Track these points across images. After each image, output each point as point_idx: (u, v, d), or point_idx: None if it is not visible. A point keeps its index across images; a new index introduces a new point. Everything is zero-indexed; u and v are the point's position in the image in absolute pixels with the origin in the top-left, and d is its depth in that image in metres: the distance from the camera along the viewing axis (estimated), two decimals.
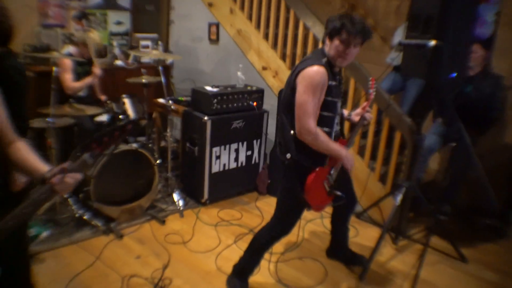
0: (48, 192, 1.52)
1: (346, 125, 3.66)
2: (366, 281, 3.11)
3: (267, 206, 4.17)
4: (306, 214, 3.91)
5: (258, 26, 4.71)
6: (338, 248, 3.29)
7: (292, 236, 3.53)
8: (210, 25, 5.14)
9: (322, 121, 2.49)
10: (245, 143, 4.22)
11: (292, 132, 2.52)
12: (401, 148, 3.91)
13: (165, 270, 3.06)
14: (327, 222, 3.81)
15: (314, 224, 3.90)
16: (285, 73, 4.42)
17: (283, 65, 4.48)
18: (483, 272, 3.35)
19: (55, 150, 3.55)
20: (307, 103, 2.39)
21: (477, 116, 3.94)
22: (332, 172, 2.67)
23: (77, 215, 3.59)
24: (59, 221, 3.54)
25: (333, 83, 2.49)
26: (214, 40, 5.15)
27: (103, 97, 4.40)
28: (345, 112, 2.92)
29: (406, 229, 3.83)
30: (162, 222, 3.72)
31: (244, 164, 4.28)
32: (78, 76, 4.12)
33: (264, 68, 4.64)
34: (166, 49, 5.89)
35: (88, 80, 4.12)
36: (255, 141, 4.29)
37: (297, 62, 3.96)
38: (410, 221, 3.94)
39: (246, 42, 4.78)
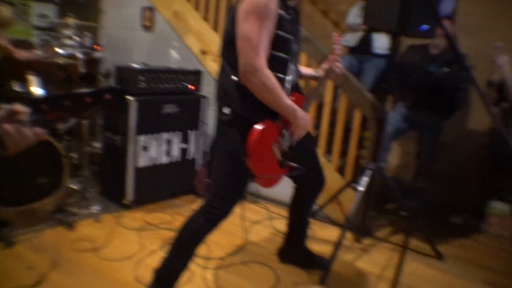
0: None
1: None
2: (330, 285, 2.46)
3: None
4: (251, 215, 3.27)
5: (196, 7, 4.13)
6: (293, 247, 2.62)
7: (234, 239, 2.90)
8: (143, 9, 4.50)
9: (274, 63, 1.89)
10: (179, 133, 3.51)
11: (234, 77, 1.89)
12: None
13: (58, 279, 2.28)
14: (278, 224, 3.21)
15: (261, 225, 3.23)
16: None
17: None
18: (465, 269, 2.80)
19: None
20: (252, 32, 1.79)
21: (442, 98, 3.51)
22: (285, 133, 2.04)
23: None
24: None
25: (286, 16, 1.91)
26: (149, 27, 4.50)
27: None
28: (308, 70, 2.36)
29: (370, 227, 3.24)
30: (70, 227, 2.92)
31: (178, 159, 3.56)
32: None
33: (204, 52, 4.02)
34: (95, 42, 5.17)
35: None
36: (191, 132, 3.60)
37: None
38: (372, 219, 3.36)
39: (184, 24, 4.16)
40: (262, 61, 1.81)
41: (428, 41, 3.59)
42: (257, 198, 3.69)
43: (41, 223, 2.93)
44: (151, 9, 4.45)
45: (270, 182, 2.11)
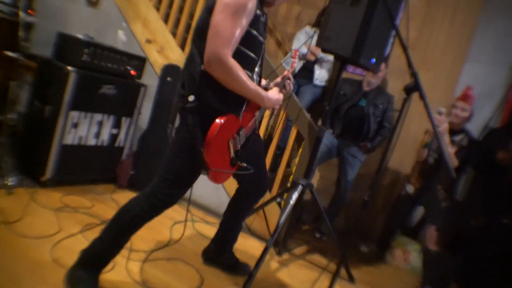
0: None
1: None
2: None
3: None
4: (174, 215, 3.20)
5: None
6: (221, 249, 2.61)
7: (157, 235, 2.83)
8: None
9: (241, 60, 1.89)
10: (112, 117, 3.34)
11: (202, 66, 1.87)
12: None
13: None
14: (199, 227, 3.19)
15: (183, 226, 3.16)
16: (173, 50, 3.76)
17: (173, 40, 3.81)
18: None
19: None
20: (224, 23, 1.78)
21: (367, 132, 3.79)
22: (241, 132, 2.06)
23: None
24: None
25: (262, 17, 1.95)
26: (93, 3, 4.26)
27: None
28: (262, 82, 2.40)
29: (289, 243, 3.34)
30: None
31: (106, 143, 3.37)
32: None
33: (148, 41, 3.90)
34: (29, 6, 4.74)
35: None
36: (124, 119, 3.46)
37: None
38: (291, 237, 3.47)
39: (133, 9, 4.01)
40: (228, 52, 1.80)
41: (361, 78, 3.87)
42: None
43: None
44: None
45: (220, 177, 2.10)
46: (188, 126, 1.94)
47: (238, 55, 1.87)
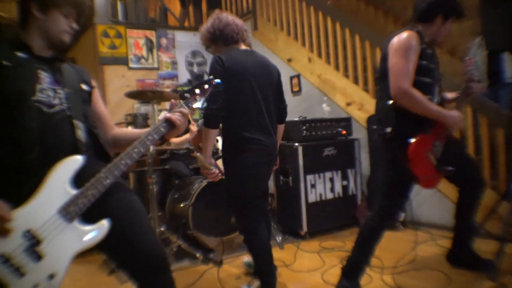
0: (165, 124, 1.68)
1: None
2: (500, 283, 2.67)
3: None
4: (415, 239, 3.58)
5: (337, 67, 4.83)
6: (460, 249, 2.89)
7: (402, 255, 3.24)
8: (291, 78, 5.34)
9: (421, 88, 2.39)
10: (339, 172, 4.08)
11: (389, 102, 2.43)
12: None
13: None
14: (442, 242, 3.48)
15: (426, 245, 3.52)
16: (370, 103, 4.37)
17: (367, 96, 4.46)
18: None
19: (154, 189, 3.66)
20: (398, 64, 2.34)
21: None
22: (436, 144, 2.48)
23: (175, 249, 3.56)
24: None
25: (427, 50, 2.44)
26: (297, 92, 5.30)
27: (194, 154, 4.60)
28: (450, 94, 2.80)
29: None
30: None
31: (341, 194, 4.09)
32: None
33: (349, 104, 4.63)
34: None
35: (186, 136, 4.34)
36: (349, 170, 4.14)
37: None
38: None
39: (328, 84, 4.86)
40: (406, 83, 2.31)
41: None
42: (418, 225, 4.00)
43: (237, 251, 3.62)
44: (297, 76, 5.27)
45: (431, 183, 2.55)
46: (389, 152, 2.49)
47: (416, 84, 2.38)
